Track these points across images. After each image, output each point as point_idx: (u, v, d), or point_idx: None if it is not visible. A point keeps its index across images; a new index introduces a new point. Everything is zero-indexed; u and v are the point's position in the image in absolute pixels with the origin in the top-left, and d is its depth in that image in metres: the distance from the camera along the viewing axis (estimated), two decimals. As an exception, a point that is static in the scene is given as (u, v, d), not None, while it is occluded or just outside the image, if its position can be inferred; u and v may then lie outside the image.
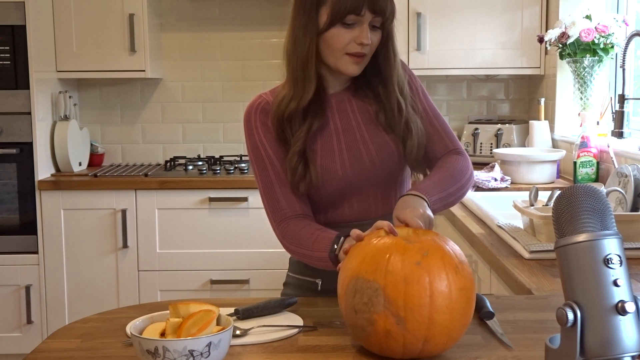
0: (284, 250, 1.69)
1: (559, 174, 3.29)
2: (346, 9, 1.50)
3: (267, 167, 1.59)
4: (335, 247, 1.44)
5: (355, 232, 1.35)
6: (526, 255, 1.87)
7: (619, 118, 2.61)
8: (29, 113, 3.40)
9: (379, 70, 1.61)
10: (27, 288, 3.44)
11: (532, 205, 2.11)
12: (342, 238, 1.44)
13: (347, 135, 1.61)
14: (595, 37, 3.04)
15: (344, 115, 1.63)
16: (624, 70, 2.53)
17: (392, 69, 1.61)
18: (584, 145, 2.96)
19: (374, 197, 1.63)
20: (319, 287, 1.67)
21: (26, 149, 3.41)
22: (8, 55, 3.38)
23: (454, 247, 1.22)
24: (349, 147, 1.60)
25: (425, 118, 1.66)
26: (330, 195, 1.60)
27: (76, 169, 3.66)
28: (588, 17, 3.09)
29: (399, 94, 1.61)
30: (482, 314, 1.37)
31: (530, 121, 3.52)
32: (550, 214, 1.03)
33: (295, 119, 1.57)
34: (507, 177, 3.07)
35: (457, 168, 1.62)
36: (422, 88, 1.71)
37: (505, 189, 3.01)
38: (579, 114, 3.23)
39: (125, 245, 3.45)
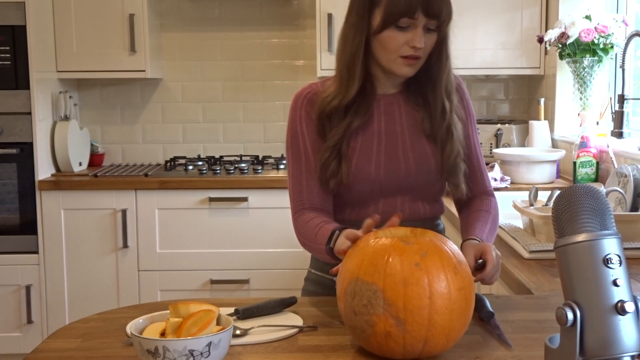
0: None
1: (559, 174, 3.29)
2: (400, 12, 1.48)
3: (302, 158, 1.61)
4: (331, 242, 1.44)
5: (350, 232, 1.35)
6: (526, 255, 1.87)
7: (618, 118, 2.62)
8: (29, 113, 3.40)
9: (429, 72, 1.59)
10: (27, 288, 3.44)
11: (531, 205, 2.12)
12: (337, 232, 1.44)
13: (389, 139, 1.61)
14: (595, 37, 3.04)
15: (390, 118, 1.62)
16: (623, 70, 2.54)
17: (442, 71, 1.59)
18: (583, 145, 2.96)
19: (402, 202, 1.63)
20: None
21: (26, 149, 3.41)
22: (8, 55, 3.38)
23: (452, 247, 1.22)
24: (387, 151, 1.60)
25: (469, 151, 1.67)
26: (359, 194, 1.61)
27: (76, 169, 3.66)
28: (588, 17, 3.09)
29: (445, 97, 1.59)
30: (482, 314, 1.37)
31: (530, 121, 3.52)
32: (550, 214, 1.03)
33: (335, 116, 1.58)
34: (506, 177, 3.08)
35: (498, 213, 1.69)
36: (473, 113, 1.72)
37: (505, 189, 3.01)
38: (578, 114, 3.24)
39: (125, 245, 3.46)
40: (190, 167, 3.67)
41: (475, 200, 1.69)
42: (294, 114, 1.62)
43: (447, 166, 1.60)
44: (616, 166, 2.68)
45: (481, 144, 3.67)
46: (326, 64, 3.60)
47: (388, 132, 1.61)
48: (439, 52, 1.57)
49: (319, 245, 1.49)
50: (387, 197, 1.61)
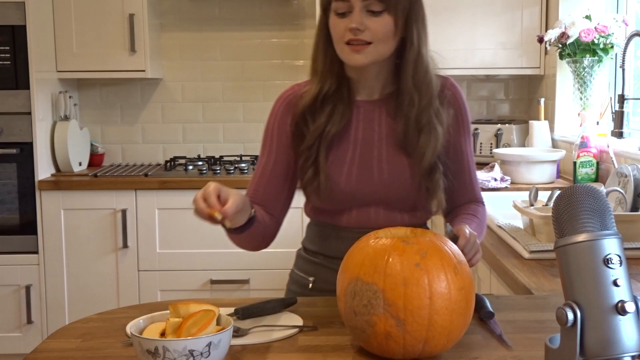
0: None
1: (559, 174, 3.29)
2: None
3: (265, 154, 1.61)
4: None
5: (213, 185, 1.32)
6: (526, 255, 1.87)
7: (618, 118, 2.62)
8: (29, 113, 3.40)
9: (401, 59, 1.52)
10: (27, 288, 3.44)
11: (531, 205, 2.11)
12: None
13: (364, 149, 1.54)
14: (595, 37, 3.04)
15: (369, 126, 1.55)
16: (623, 70, 2.54)
17: (407, 59, 1.50)
18: (583, 145, 2.96)
19: (375, 212, 1.56)
20: (311, 285, 1.65)
21: (26, 149, 3.41)
22: (8, 55, 3.38)
23: (452, 247, 1.22)
24: (361, 162, 1.54)
25: (464, 163, 1.60)
26: (331, 202, 1.57)
27: (76, 169, 3.66)
28: (588, 17, 3.09)
29: (413, 88, 1.50)
30: (482, 314, 1.37)
31: (530, 121, 3.52)
32: (550, 214, 1.03)
33: (310, 116, 1.53)
34: (507, 177, 3.07)
35: (485, 220, 1.63)
36: (466, 119, 1.60)
37: (505, 189, 3.01)
38: (578, 114, 3.24)
39: (125, 245, 3.45)
40: (190, 167, 3.67)
41: (462, 206, 1.61)
42: (272, 112, 1.62)
43: (420, 169, 1.51)
44: (616, 166, 2.68)
45: (481, 144, 3.67)
46: (326, 64, 3.59)
47: (364, 142, 1.54)
48: (406, 38, 1.50)
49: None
50: (360, 206, 1.56)
